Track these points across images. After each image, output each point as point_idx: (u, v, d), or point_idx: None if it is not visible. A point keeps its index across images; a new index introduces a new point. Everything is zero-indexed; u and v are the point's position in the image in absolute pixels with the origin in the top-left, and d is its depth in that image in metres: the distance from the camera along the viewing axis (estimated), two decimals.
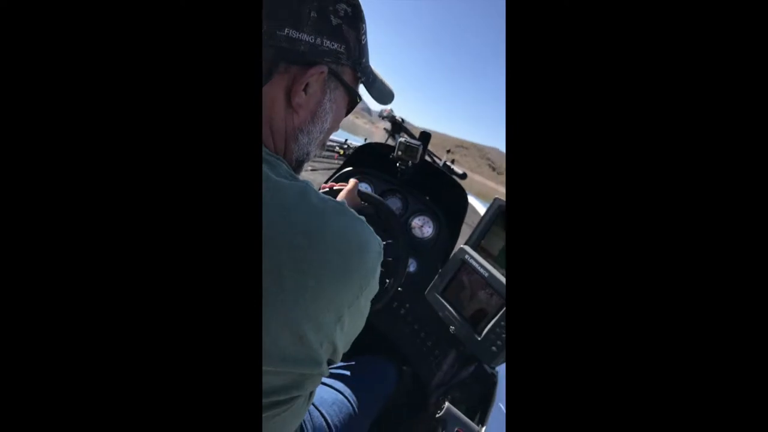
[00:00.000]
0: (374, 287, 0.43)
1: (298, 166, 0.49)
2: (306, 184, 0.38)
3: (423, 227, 1.17)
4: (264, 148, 0.40)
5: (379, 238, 0.41)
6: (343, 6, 0.42)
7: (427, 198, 1.19)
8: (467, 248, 0.90)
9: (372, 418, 0.79)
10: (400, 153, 1.02)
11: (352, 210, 0.40)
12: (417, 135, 1.13)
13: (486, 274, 0.83)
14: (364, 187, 1.20)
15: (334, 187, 0.84)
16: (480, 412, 0.87)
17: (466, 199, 1.12)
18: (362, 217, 0.41)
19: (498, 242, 1.03)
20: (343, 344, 0.42)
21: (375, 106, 0.61)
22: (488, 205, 1.04)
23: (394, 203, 1.19)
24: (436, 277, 0.94)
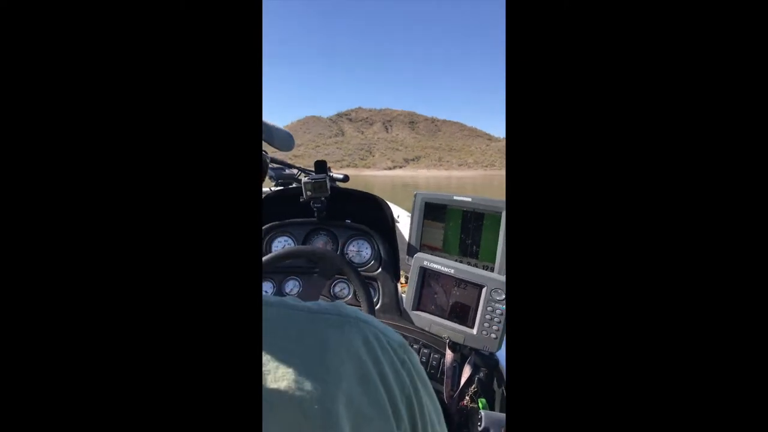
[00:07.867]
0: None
1: None
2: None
3: (360, 252, 1.12)
4: None
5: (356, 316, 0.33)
6: None
7: (349, 221, 1.14)
8: (421, 255, 0.88)
9: None
10: (309, 193, 0.94)
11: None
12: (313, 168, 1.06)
13: (451, 270, 0.83)
14: (284, 241, 1.09)
15: None
16: (500, 398, 0.86)
17: (387, 206, 1.10)
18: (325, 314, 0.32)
19: (436, 233, 1.03)
20: None
21: None
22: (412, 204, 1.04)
23: (323, 241, 1.11)
24: (404, 294, 0.90)
